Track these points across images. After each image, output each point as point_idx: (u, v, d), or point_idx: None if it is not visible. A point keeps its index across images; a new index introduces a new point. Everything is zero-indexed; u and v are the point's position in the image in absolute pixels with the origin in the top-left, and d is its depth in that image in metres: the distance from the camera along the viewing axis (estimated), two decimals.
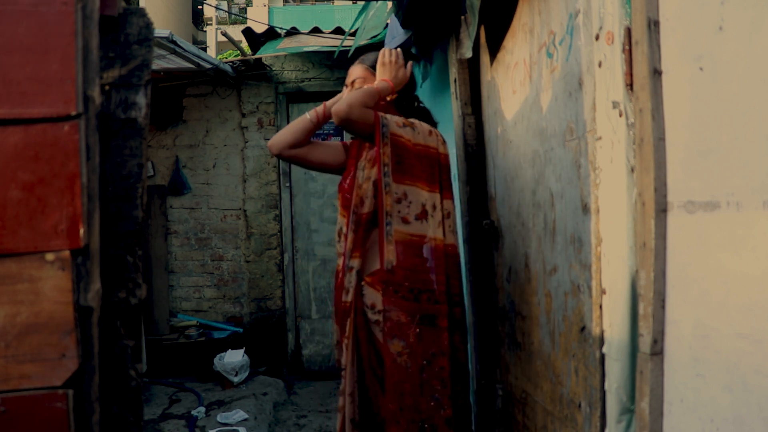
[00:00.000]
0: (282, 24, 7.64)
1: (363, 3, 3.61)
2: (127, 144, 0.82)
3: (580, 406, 1.48)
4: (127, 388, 0.80)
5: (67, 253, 0.73)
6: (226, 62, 4.78)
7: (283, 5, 20.06)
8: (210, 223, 4.93)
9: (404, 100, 2.04)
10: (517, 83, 1.92)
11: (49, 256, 0.73)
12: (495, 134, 2.20)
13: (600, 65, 1.27)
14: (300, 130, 1.96)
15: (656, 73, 1.07)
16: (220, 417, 3.70)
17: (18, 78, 0.74)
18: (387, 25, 3.45)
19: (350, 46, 3.57)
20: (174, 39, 3.55)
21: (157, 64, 3.94)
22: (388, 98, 1.99)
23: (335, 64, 4.71)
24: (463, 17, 2.23)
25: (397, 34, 3.00)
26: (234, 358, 4.35)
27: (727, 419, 0.92)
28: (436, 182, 1.88)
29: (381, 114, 1.85)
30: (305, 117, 1.98)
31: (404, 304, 1.82)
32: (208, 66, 4.23)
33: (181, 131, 4.91)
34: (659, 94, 1.07)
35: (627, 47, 1.16)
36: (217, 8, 11.79)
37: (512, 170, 2.02)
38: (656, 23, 1.07)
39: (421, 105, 2.13)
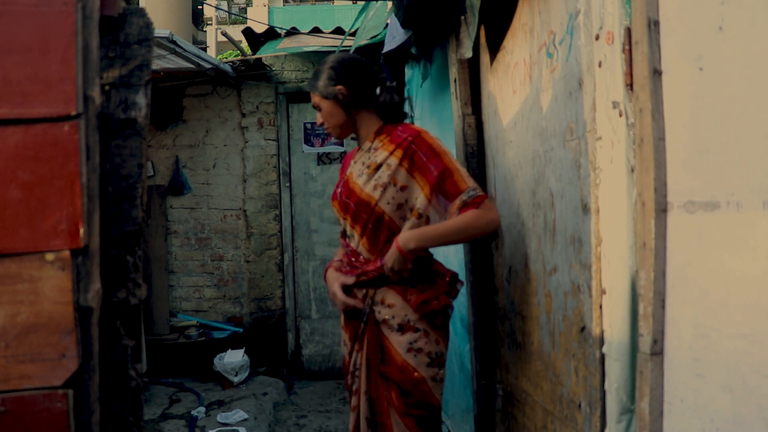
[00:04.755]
0: (282, 24, 7.63)
1: (363, 3, 3.62)
2: (127, 144, 0.82)
3: (580, 406, 1.48)
4: (127, 388, 0.80)
5: (67, 253, 0.73)
6: (226, 62, 4.79)
7: (283, 5, 20.07)
8: (210, 223, 4.93)
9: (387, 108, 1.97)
10: (517, 83, 1.92)
11: (49, 256, 0.73)
12: (495, 134, 2.20)
13: (600, 65, 1.27)
14: None
15: (656, 73, 1.07)
16: (220, 417, 3.70)
17: (18, 78, 0.74)
18: (387, 25, 3.46)
19: (350, 46, 3.57)
20: (174, 39, 3.55)
21: (157, 64, 3.94)
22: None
23: None
24: (463, 17, 2.23)
25: (397, 34, 3.00)
26: (234, 358, 4.35)
27: (727, 419, 0.92)
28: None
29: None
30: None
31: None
32: (208, 66, 4.23)
33: (181, 131, 4.91)
34: (659, 94, 1.07)
35: (627, 47, 1.16)
36: (217, 8, 11.80)
37: (512, 170, 2.02)
38: (656, 23, 1.07)
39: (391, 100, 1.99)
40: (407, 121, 2.05)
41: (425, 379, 1.82)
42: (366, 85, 1.94)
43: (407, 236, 1.80)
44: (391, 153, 1.86)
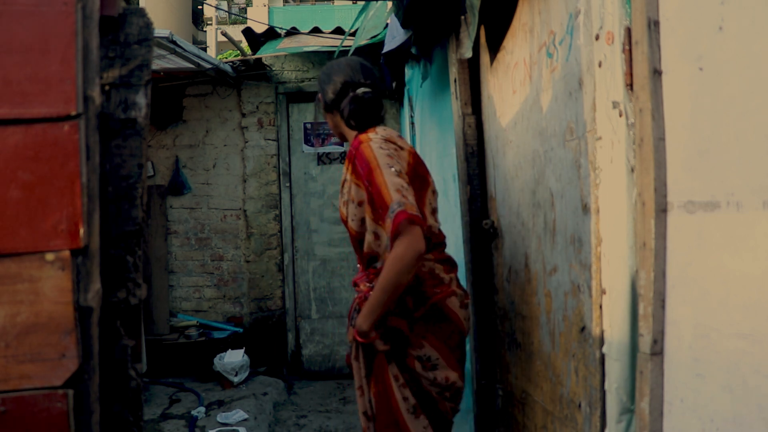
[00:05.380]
0: (282, 24, 7.64)
1: (363, 3, 3.62)
2: (127, 144, 0.82)
3: (580, 406, 1.48)
4: (127, 388, 0.80)
5: (67, 253, 0.73)
6: (226, 62, 4.79)
7: (283, 5, 20.07)
8: (210, 223, 4.93)
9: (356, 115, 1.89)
10: (517, 83, 1.92)
11: (49, 256, 0.73)
12: (495, 134, 2.20)
13: (600, 65, 1.26)
14: None
15: (656, 73, 1.07)
16: (220, 417, 3.70)
17: (18, 78, 0.74)
18: (387, 25, 3.46)
19: (350, 46, 3.57)
20: (174, 39, 3.55)
21: (157, 64, 3.94)
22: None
23: None
24: (463, 17, 2.23)
25: (397, 34, 3.00)
26: (234, 358, 4.35)
27: (727, 419, 0.92)
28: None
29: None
30: None
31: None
32: (208, 66, 4.23)
33: (181, 131, 4.91)
34: (659, 94, 1.07)
35: (627, 47, 1.16)
36: (217, 8, 11.81)
37: (512, 170, 2.02)
38: (656, 23, 1.07)
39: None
40: (405, 125, 2.05)
41: None
42: (333, 92, 1.90)
43: (359, 321, 1.75)
44: (347, 168, 1.84)
